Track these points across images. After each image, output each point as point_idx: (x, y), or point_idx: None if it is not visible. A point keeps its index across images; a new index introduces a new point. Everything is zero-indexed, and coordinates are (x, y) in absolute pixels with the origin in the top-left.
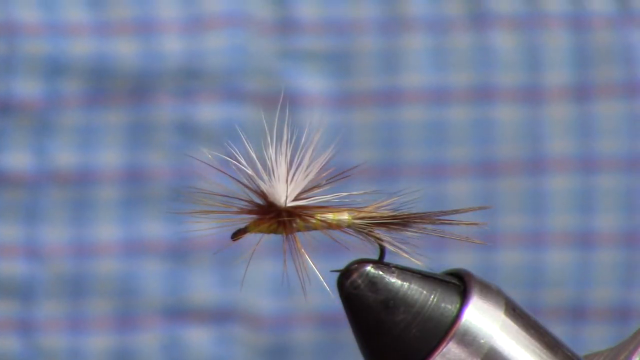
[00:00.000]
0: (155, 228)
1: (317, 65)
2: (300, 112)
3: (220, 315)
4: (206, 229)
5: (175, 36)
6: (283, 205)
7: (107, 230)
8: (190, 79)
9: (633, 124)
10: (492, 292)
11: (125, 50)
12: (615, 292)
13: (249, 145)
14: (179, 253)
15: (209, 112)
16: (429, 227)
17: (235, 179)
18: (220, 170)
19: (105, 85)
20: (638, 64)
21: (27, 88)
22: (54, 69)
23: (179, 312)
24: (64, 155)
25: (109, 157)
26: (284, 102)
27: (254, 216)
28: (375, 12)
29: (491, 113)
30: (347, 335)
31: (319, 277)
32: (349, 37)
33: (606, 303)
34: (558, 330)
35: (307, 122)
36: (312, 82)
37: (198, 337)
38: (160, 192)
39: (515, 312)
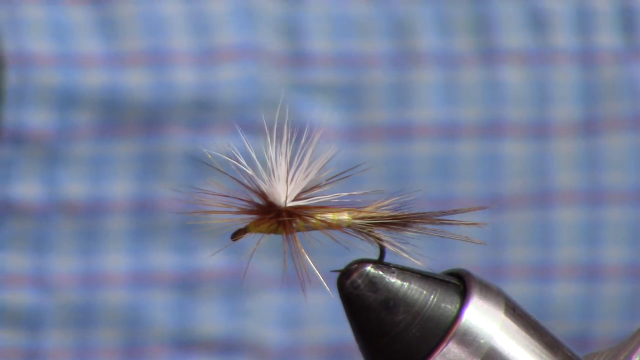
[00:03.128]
0: (164, 259)
1: (328, 98)
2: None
3: (228, 347)
4: (211, 230)
5: (187, 68)
6: (283, 205)
7: (115, 261)
8: (202, 111)
9: None
10: (492, 292)
11: (137, 82)
12: (621, 325)
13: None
14: (188, 284)
15: (221, 143)
16: (429, 227)
17: (235, 179)
18: (228, 174)
19: (117, 116)
20: None
21: (38, 119)
22: (66, 100)
23: (187, 343)
24: (74, 186)
25: (120, 188)
26: (293, 134)
27: (254, 216)
28: (386, 46)
29: (500, 148)
30: None
31: (325, 308)
32: (360, 71)
33: (612, 336)
34: None
35: (317, 153)
36: (322, 115)
37: None
38: (170, 223)
39: (515, 312)
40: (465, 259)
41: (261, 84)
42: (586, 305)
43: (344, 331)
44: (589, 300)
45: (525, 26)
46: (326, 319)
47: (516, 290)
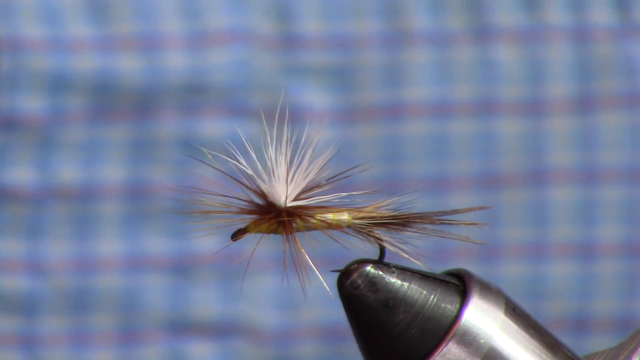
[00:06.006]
0: (158, 243)
1: (321, 80)
2: (303, 127)
3: (223, 330)
4: (210, 231)
5: (179, 52)
6: (283, 205)
7: (110, 246)
8: (194, 95)
9: (635, 135)
10: (492, 292)
11: (128, 66)
12: (617, 303)
13: (251, 160)
14: (182, 268)
15: (212, 127)
16: (429, 227)
17: (235, 179)
18: (228, 174)
19: (109, 100)
20: (639, 75)
21: (30, 104)
22: (58, 84)
23: (182, 327)
24: (68, 171)
25: (112, 172)
26: (287, 116)
27: (254, 216)
28: (378, 27)
29: (494, 126)
30: (350, 349)
31: (320, 290)
32: (352, 52)
33: (609, 314)
34: None
35: (310, 135)
36: (315, 97)
37: (201, 351)
38: (163, 208)
39: (515, 312)
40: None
41: (253, 67)
42: (582, 285)
43: (339, 313)
44: (585, 279)
45: (518, 4)
46: (321, 301)
47: (511, 270)
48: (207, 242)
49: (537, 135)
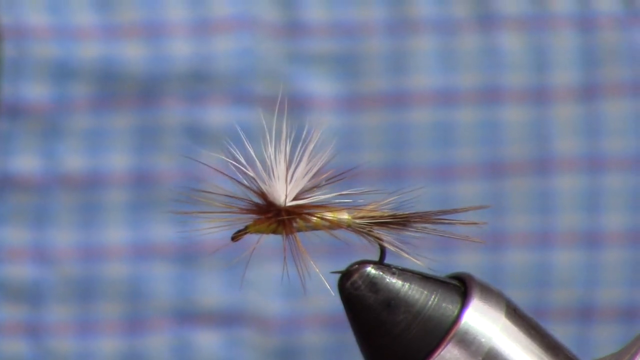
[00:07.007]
0: (163, 231)
1: (325, 68)
2: (308, 115)
3: (229, 318)
4: (210, 230)
5: (183, 39)
6: (282, 204)
7: (115, 234)
8: (198, 82)
9: None
10: (493, 294)
11: (133, 54)
12: (623, 292)
13: (255, 148)
14: (188, 256)
15: (217, 115)
16: (429, 226)
17: (234, 179)
18: (227, 174)
19: (114, 88)
20: None
21: (35, 91)
22: (63, 72)
23: (188, 315)
24: (73, 159)
25: (117, 160)
26: (291, 104)
27: (254, 216)
28: (382, 14)
29: (499, 114)
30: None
31: (325, 278)
32: (356, 40)
33: (614, 303)
34: (566, 330)
35: (313, 124)
36: (320, 85)
37: (207, 339)
38: (168, 195)
39: (516, 313)
40: (465, 227)
41: (257, 55)
42: (588, 273)
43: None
44: (591, 267)
45: None
46: (327, 289)
47: (516, 259)
48: (208, 228)
49: (542, 123)
